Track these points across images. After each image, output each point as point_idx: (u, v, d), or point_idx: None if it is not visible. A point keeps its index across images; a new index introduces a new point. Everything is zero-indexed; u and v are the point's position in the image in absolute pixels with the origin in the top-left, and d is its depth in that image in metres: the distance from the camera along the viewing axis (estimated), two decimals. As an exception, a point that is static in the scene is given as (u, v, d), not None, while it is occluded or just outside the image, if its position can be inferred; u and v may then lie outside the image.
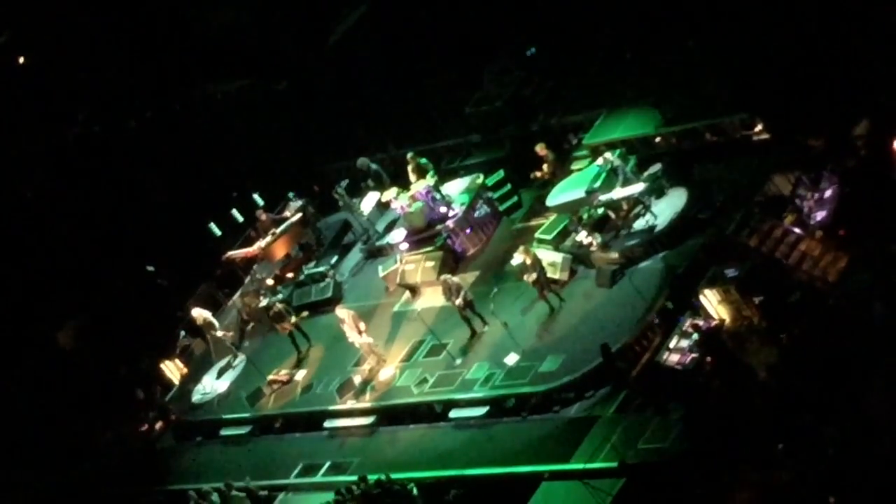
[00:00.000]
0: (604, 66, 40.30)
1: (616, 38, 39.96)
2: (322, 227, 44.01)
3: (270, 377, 38.60)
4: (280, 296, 40.62)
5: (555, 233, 35.53)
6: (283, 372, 38.65)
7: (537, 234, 35.96)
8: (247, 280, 44.25)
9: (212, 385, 40.85)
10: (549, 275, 34.45)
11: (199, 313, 41.05)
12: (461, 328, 34.92)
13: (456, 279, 35.23)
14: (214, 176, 48.71)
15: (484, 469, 31.51)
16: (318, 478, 34.94)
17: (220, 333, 40.90)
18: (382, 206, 41.45)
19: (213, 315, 42.16)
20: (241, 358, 40.80)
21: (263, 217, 43.17)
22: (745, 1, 35.26)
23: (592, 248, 34.19)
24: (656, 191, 34.44)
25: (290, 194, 43.85)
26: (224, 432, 39.26)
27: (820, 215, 30.98)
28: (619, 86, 38.61)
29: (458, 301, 34.50)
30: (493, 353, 33.88)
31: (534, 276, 33.46)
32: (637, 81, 38.00)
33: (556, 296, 33.85)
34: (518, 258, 33.71)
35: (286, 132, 47.83)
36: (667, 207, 34.07)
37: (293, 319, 38.66)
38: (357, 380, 36.10)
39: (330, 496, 32.66)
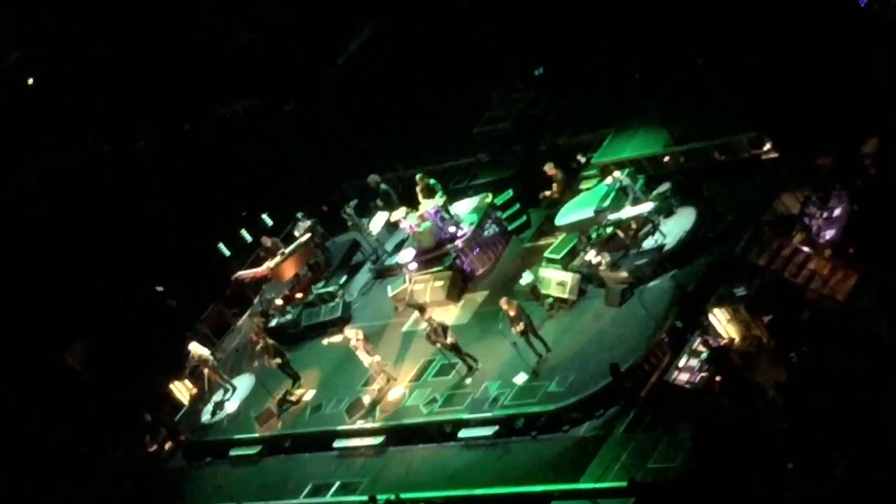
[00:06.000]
0: (612, 85, 40.35)
1: (624, 57, 39.99)
2: (331, 246, 44.01)
3: (279, 397, 38.61)
4: (284, 317, 40.65)
5: (564, 252, 35.49)
6: (292, 392, 38.68)
7: (546, 254, 35.94)
8: (256, 300, 44.27)
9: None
10: (558, 294, 34.48)
11: (196, 349, 41.05)
12: (470, 347, 34.87)
13: (440, 320, 35.13)
14: (223, 196, 48.77)
15: (493, 489, 31.45)
16: (328, 498, 34.90)
17: (207, 372, 40.93)
18: (391, 226, 41.49)
19: (223, 335, 42.05)
20: (232, 394, 40.82)
21: (269, 243, 42.99)
22: (753, 19, 35.30)
23: (601, 268, 34.16)
24: (665, 210, 34.40)
25: (299, 214, 43.79)
26: (233, 452, 39.26)
27: (829, 234, 30.93)
28: (627, 105, 38.64)
29: (446, 341, 34.45)
30: (502, 373, 33.85)
31: (521, 326, 33.23)
32: (645, 100, 38.03)
33: (541, 342, 33.51)
34: (504, 307, 33.39)
35: (294, 152, 47.90)
36: (676, 226, 34.03)
37: (276, 361, 38.77)
38: (366, 399, 36.10)
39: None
